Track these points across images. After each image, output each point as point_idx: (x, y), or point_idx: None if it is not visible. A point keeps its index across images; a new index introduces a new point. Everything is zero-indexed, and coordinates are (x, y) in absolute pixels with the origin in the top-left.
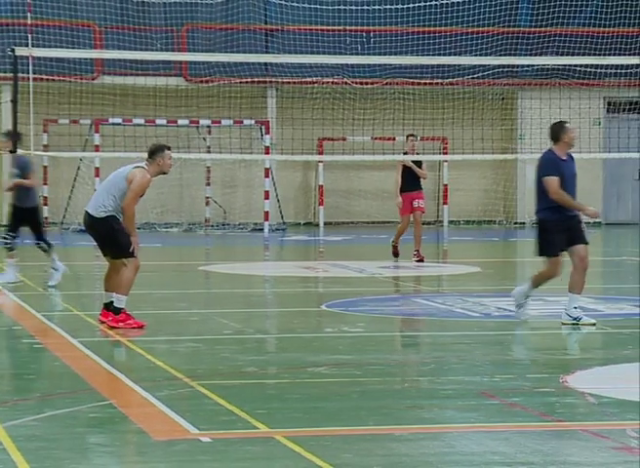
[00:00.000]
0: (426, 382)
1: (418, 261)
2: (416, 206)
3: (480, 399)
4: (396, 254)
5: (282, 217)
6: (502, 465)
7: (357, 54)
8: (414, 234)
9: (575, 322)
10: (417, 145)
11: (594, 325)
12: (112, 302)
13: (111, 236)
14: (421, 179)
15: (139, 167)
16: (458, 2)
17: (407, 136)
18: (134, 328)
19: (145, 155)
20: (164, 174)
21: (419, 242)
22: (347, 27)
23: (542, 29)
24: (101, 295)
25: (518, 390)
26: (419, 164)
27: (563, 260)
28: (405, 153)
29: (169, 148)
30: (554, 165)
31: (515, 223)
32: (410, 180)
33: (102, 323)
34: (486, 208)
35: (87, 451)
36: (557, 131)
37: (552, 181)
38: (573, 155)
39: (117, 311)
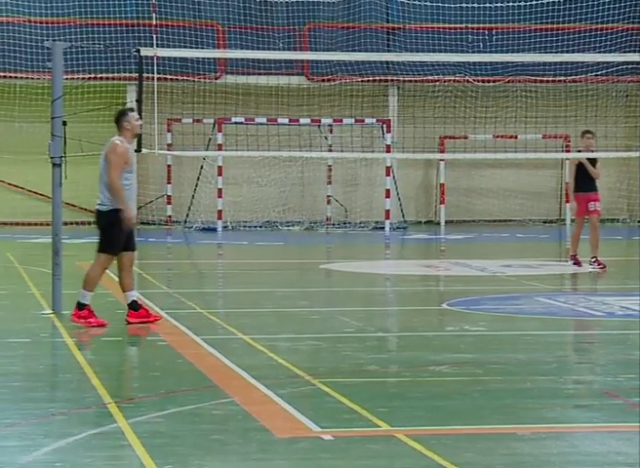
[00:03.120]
0: (549, 382)
1: (601, 268)
2: (592, 209)
3: (603, 399)
4: (578, 264)
5: (403, 216)
6: (626, 466)
7: (479, 51)
8: (589, 239)
9: None
10: (592, 143)
11: None
12: (135, 302)
13: (105, 229)
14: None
15: (111, 141)
16: None
17: (582, 133)
18: (93, 326)
19: (269, 154)
20: (138, 136)
21: (595, 247)
22: (469, 25)
23: None
24: (224, 294)
25: None
26: (593, 163)
27: None
28: (579, 151)
29: (132, 110)
30: None
31: (639, 222)
32: (584, 180)
33: (129, 323)
34: (609, 206)
35: (210, 448)
36: None
37: None
38: None
39: (81, 307)
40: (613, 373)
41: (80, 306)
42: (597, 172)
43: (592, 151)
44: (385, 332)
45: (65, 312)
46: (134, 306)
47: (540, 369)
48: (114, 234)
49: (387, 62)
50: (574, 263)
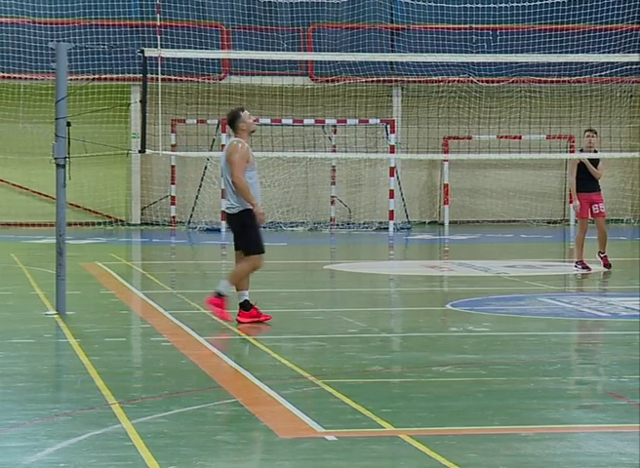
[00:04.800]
0: (552, 382)
1: (606, 267)
2: (596, 211)
3: (607, 399)
4: (587, 268)
5: (407, 216)
6: (630, 466)
7: (483, 52)
8: (598, 237)
9: None
10: (594, 141)
11: None
12: (247, 301)
13: (241, 231)
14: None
15: (231, 142)
16: None
17: (585, 132)
18: (223, 316)
19: (273, 155)
20: (253, 132)
21: (604, 243)
22: (473, 26)
23: None
24: (230, 293)
25: None
26: (595, 163)
27: None
28: (581, 150)
29: (242, 109)
30: None
31: None
32: (587, 180)
33: (240, 323)
34: (614, 206)
35: (214, 449)
36: None
37: None
38: None
39: (247, 307)
40: (617, 374)
41: (246, 307)
42: (599, 172)
43: (593, 149)
44: (389, 333)
45: (70, 313)
46: (245, 306)
47: (544, 369)
48: (252, 233)
49: (391, 63)
50: (582, 268)
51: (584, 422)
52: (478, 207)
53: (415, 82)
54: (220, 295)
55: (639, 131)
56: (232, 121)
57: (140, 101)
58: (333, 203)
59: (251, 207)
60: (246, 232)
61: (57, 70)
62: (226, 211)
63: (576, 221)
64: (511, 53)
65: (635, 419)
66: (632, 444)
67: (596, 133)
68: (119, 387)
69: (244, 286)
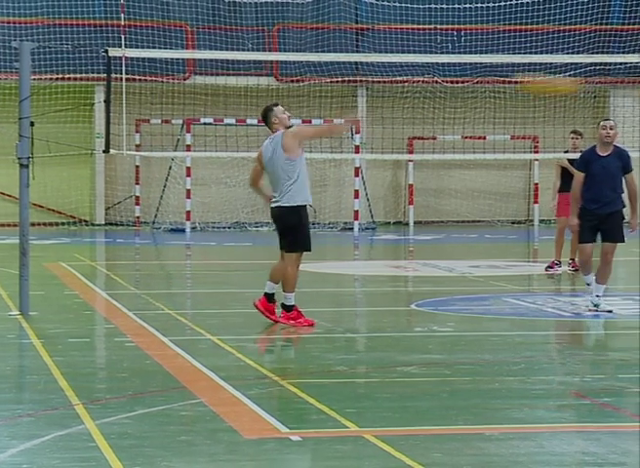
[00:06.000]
0: (517, 382)
1: (574, 271)
2: None
3: (571, 399)
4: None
5: (372, 216)
6: (594, 466)
7: (448, 52)
8: (571, 242)
9: (595, 309)
10: (579, 143)
11: (611, 312)
12: (273, 294)
13: (290, 228)
14: None
15: (282, 133)
16: (549, 0)
17: (570, 133)
18: (304, 326)
19: (238, 155)
20: (289, 128)
21: (575, 250)
22: (438, 26)
23: (635, 27)
24: (192, 295)
25: (609, 390)
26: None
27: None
28: (566, 151)
29: (276, 104)
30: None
31: None
32: (568, 181)
33: (257, 308)
34: None
35: (178, 449)
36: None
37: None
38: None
39: (289, 309)
40: (580, 374)
41: (287, 308)
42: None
43: (579, 150)
44: (354, 333)
45: (33, 313)
46: (286, 308)
47: (508, 369)
48: (302, 231)
49: (356, 63)
50: (552, 268)
51: (548, 422)
52: (443, 207)
53: (379, 82)
54: (289, 308)
55: None
56: (265, 117)
57: (105, 101)
58: None
59: (304, 203)
60: (296, 229)
61: (20, 70)
62: (277, 205)
63: (541, 221)
64: (476, 53)
65: (599, 419)
66: (596, 443)
67: (581, 134)
68: (83, 388)
69: (276, 277)
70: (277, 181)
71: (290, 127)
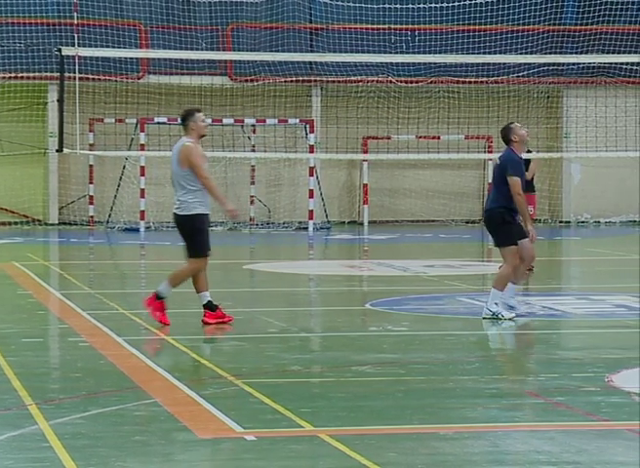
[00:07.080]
0: (471, 381)
1: (528, 270)
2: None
3: (525, 398)
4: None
5: (326, 216)
6: (548, 465)
7: (402, 52)
8: None
9: (494, 317)
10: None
11: (512, 319)
12: (211, 302)
13: (190, 235)
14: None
15: (183, 144)
16: (503, 0)
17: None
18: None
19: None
20: (203, 137)
21: None
22: (392, 26)
23: (588, 27)
24: (147, 295)
25: (563, 389)
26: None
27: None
28: (529, 151)
29: (199, 110)
30: (519, 166)
31: (560, 222)
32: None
33: (207, 324)
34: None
35: (133, 449)
36: (506, 134)
37: (518, 182)
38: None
39: (213, 307)
40: (534, 373)
41: (211, 307)
42: (528, 173)
43: (529, 151)
44: (309, 333)
45: None
46: (210, 307)
47: (463, 368)
48: (200, 237)
49: (311, 63)
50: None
51: (502, 421)
52: (397, 207)
53: (334, 82)
54: (159, 297)
55: (556, 131)
56: (185, 118)
57: (58, 100)
58: (252, 202)
59: (201, 212)
60: (195, 235)
61: None
62: (177, 212)
63: None
64: (430, 53)
65: (552, 418)
66: (549, 442)
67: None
68: (36, 388)
69: (204, 287)
70: (176, 189)
71: (204, 136)
